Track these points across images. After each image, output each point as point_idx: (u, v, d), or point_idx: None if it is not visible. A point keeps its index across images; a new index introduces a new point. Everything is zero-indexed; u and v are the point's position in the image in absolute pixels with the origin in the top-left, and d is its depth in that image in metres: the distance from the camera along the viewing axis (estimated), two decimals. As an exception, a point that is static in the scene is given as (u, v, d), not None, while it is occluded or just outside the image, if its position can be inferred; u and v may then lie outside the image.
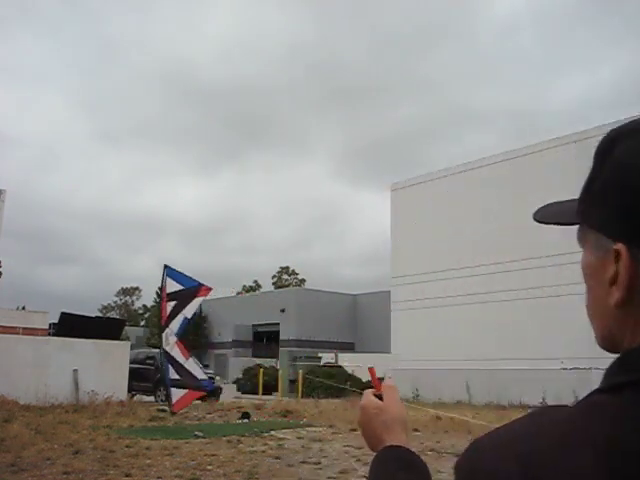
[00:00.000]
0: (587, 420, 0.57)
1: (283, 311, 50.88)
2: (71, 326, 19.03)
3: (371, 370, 1.16)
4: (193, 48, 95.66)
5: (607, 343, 0.69)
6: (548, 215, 0.81)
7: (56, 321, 21.87)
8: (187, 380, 12.39)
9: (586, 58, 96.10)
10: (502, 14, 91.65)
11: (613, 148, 0.65)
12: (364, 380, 27.78)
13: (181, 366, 12.40)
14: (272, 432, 12.17)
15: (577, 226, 0.72)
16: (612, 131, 0.67)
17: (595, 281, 0.68)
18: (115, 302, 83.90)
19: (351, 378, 27.76)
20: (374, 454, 0.91)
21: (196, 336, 54.95)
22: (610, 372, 0.62)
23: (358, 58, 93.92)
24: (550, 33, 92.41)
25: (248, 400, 21.30)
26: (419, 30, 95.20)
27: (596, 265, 0.67)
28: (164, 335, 12.55)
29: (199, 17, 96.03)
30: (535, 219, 0.83)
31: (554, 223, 0.79)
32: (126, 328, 45.82)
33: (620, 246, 0.60)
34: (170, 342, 12.41)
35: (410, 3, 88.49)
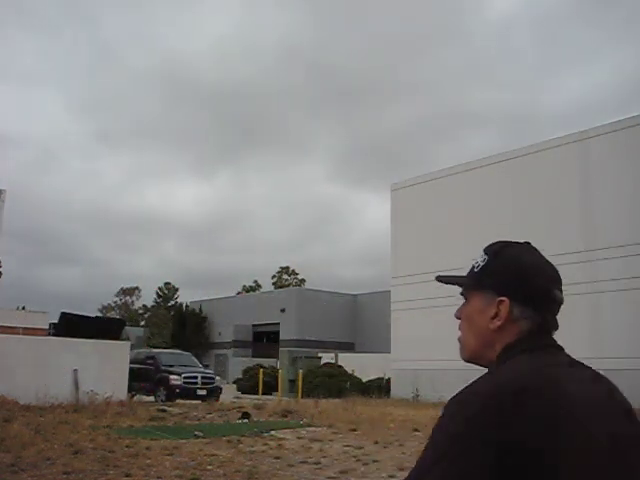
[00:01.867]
0: (564, 363, 1.13)
1: (283, 311, 50.87)
2: (71, 326, 19.04)
3: None
4: (191, 49, 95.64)
5: (474, 356, 1.24)
6: (446, 279, 1.36)
7: (56, 321, 21.88)
8: None
9: (583, 58, 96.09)
10: (499, 15, 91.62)
11: (502, 250, 1.27)
12: (364, 380, 27.82)
13: None
14: (272, 432, 12.17)
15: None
16: (500, 243, 1.30)
17: (480, 317, 1.21)
18: (115, 302, 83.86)
19: (351, 378, 27.77)
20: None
21: (196, 336, 54.99)
22: (516, 349, 1.15)
23: (356, 58, 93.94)
24: (546, 33, 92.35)
25: (249, 400, 21.28)
26: (417, 31, 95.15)
27: (483, 305, 1.21)
28: None
29: (196, 18, 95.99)
30: (440, 279, 1.39)
31: (448, 283, 1.34)
32: (126, 328, 45.82)
33: (504, 298, 1.17)
34: None
35: (408, 3, 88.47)
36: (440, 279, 1.36)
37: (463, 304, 1.27)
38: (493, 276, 1.21)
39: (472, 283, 1.25)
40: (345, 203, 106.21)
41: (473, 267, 1.26)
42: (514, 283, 1.18)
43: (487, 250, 1.28)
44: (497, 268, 1.22)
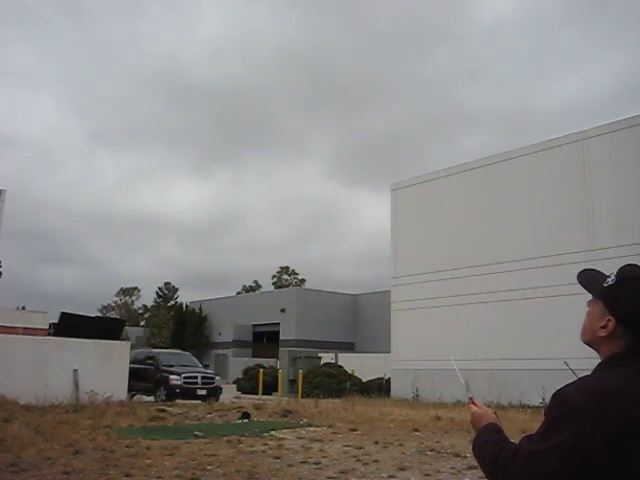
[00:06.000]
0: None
1: (283, 311, 50.83)
2: (71, 326, 19.03)
3: (471, 399, 1.83)
4: (187, 49, 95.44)
5: (587, 343, 1.63)
6: (585, 279, 1.70)
7: (56, 321, 21.86)
8: None
9: (579, 59, 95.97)
10: (495, 16, 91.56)
11: (628, 280, 1.56)
12: (364, 380, 27.84)
13: None
14: (272, 432, 12.17)
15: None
16: (630, 271, 1.59)
17: (595, 322, 1.59)
18: (115, 302, 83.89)
19: (351, 378, 27.78)
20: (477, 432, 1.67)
21: (196, 336, 54.97)
22: (610, 362, 1.52)
23: (353, 59, 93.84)
24: (543, 35, 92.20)
25: (249, 400, 21.27)
26: (415, 31, 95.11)
27: (599, 314, 1.58)
28: None
29: (194, 19, 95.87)
30: (579, 280, 1.71)
31: (583, 284, 1.69)
32: (126, 328, 45.77)
33: (612, 319, 1.53)
34: None
35: (405, 4, 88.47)
36: (584, 274, 1.71)
37: (592, 300, 1.64)
38: (612, 298, 1.56)
39: (598, 294, 1.61)
40: (345, 203, 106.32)
41: (606, 281, 1.61)
42: (625, 311, 1.53)
43: (618, 273, 1.60)
44: (617, 292, 1.56)
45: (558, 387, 1.47)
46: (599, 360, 1.56)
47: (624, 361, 1.49)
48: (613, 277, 1.58)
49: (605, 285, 1.59)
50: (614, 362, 1.51)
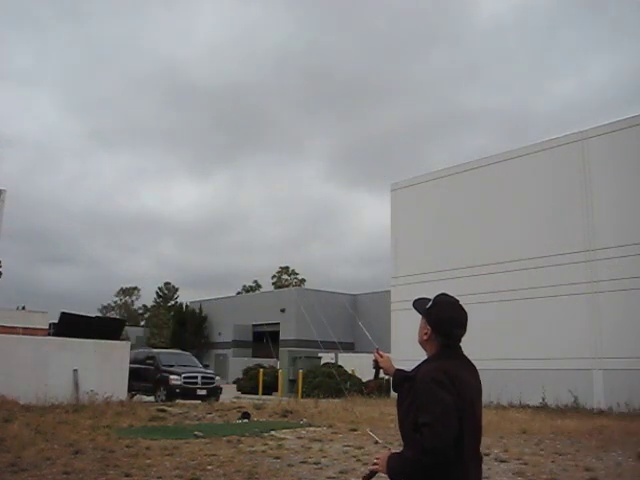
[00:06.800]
0: (460, 363, 2.48)
1: (283, 311, 50.82)
2: (71, 326, 19.03)
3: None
4: (185, 49, 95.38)
5: (420, 343, 2.56)
6: (417, 304, 2.60)
7: (56, 321, 21.86)
8: None
9: (578, 59, 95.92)
10: (494, 16, 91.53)
11: (436, 304, 2.53)
12: (364, 380, 27.81)
13: None
14: (272, 432, 12.17)
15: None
16: (439, 297, 2.57)
17: (421, 330, 2.53)
18: (115, 302, 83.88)
19: (351, 378, 27.74)
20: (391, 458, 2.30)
21: (196, 336, 54.99)
22: (436, 356, 2.45)
23: (353, 58, 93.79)
24: (542, 35, 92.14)
25: (249, 400, 21.26)
26: (414, 31, 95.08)
27: (423, 325, 2.52)
28: None
29: (190, 18, 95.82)
30: (413, 305, 2.62)
31: (415, 308, 2.60)
32: (126, 328, 45.80)
33: (430, 328, 2.49)
34: None
35: (404, 5, 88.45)
36: (414, 305, 2.59)
37: (422, 317, 2.53)
38: (429, 315, 2.49)
39: (422, 313, 2.53)
40: (345, 203, 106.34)
41: (427, 304, 2.52)
42: (435, 323, 2.46)
43: (434, 299, 2.52)
44: (431, 311, 2.49)
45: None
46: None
47: (441, 356, 2.40)
48: (431, 302, 2.50)
49: (426, 307, 2.50)
50: (438, 356, 2.40)
